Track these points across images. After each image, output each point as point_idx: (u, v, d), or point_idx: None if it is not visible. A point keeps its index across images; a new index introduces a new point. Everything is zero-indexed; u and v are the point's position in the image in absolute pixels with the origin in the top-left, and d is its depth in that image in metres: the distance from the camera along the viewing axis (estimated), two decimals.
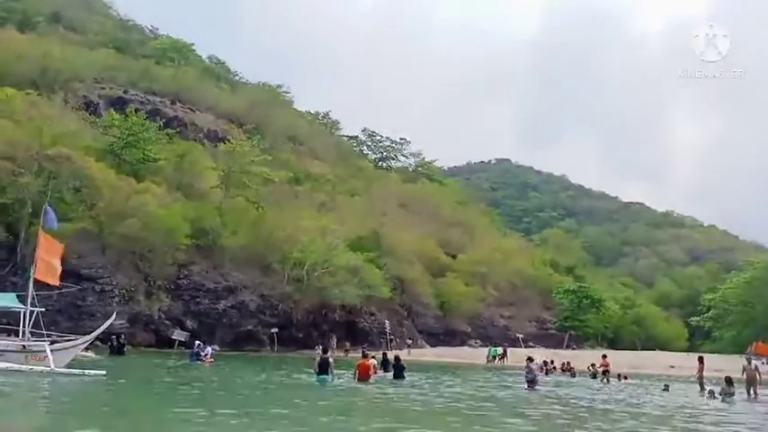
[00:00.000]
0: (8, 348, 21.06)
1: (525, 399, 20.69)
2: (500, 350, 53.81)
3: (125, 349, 36.78)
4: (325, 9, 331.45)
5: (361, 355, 27.72)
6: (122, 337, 38.34)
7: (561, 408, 18.10)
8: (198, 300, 49.51)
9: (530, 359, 26.77)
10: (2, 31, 76.18)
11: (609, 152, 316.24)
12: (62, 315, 40.88)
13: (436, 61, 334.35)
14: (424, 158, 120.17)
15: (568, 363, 42.63)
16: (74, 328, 35.87)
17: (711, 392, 23.92)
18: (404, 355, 44.20)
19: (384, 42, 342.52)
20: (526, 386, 24.81)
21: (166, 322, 46.23)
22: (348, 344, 50.08)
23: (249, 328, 50.65)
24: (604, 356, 36.86)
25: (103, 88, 76.65)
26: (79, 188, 46.68)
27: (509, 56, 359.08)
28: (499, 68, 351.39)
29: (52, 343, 22.24)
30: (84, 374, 19.95)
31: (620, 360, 46.04)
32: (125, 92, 76.97)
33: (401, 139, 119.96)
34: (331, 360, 23.07)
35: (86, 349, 34.82)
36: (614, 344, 79.48)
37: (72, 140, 50.46)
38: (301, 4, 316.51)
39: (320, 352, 24.27)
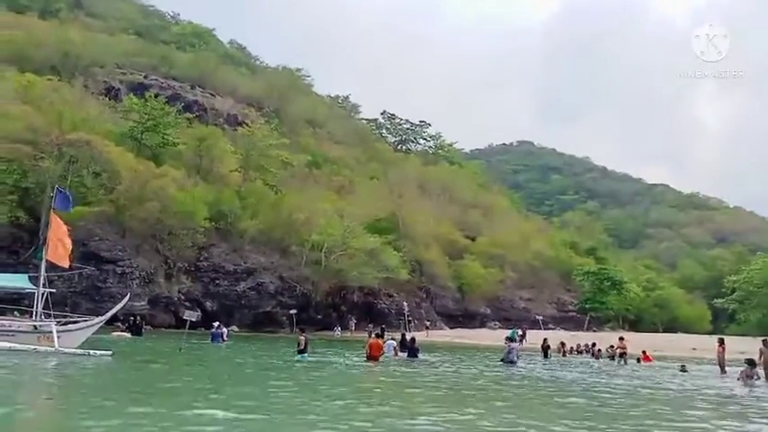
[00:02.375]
0: (20, 329, 21.40)
1: (493, 376, 21.54)
2: (519, 332, 53.70)
3: (143, 330, 37.26)
4: None
5: (368, 335, 28.39)
6: (139, 318, 38.91)
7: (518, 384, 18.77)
8: (217, 282, 50.07)
9: (509, 339, 28.11)
10: (23, 18, 77.20)
11: (632, 133, 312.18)
12: (84, 297, 41.82)
13: (455, 43, 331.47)
14: (443, 141, 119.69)
15: (588, 345, 42.27)
16: (95, 309, 36.45)
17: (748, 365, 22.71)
18: (422, 336, 44.55)
19: (401, 25, 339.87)
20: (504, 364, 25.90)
21: (186, 304, 46.77)
22: (371, 325, 50.53)
23: (268, 309, 51.12)
24: (621, 339, 36.50)
25: (124, 74, 77.29)
26: (99, 172, 47.22)
27: (529, 36, 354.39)
28: (519, 49, 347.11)
29: (66, 324, 22.59)
30: (89, 354, 20.23)
31: (641, 342, 45.56)
32: (145, 77, 77.51)
33: (420, 121, 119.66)
34: (307, 340, 24.76)
35: (123, 330, 35.86)
36: (636, 326, 78.83)
37: (92, 125, 51.08)
38: None
39: (299, 333, 26.21)
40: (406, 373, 20.40)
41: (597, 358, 37.11)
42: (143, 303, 44.48)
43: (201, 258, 50.36)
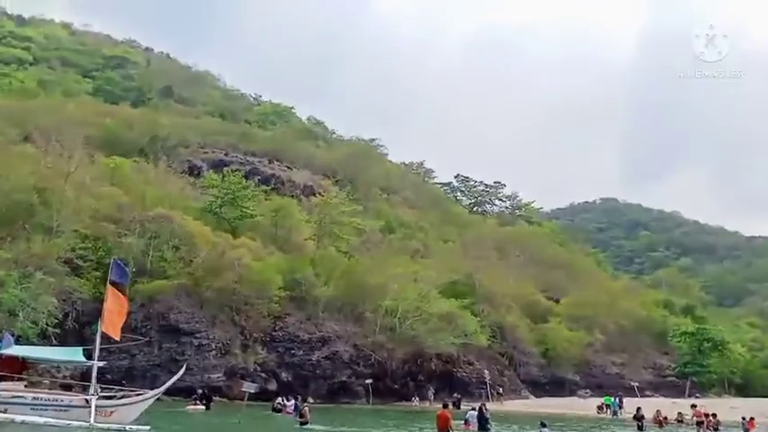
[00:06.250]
0: (72, 403, 21.39)
1: None
2: (615, 400, 50.10)
3: (211, 403, 37.12)
4: (414, 54, 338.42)
5: (442, 405, 26.82)
6: (207, 390, 38.93)
7: None
8: (292, 351, 49.68)
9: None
10: (117, 107, 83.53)
11: (724, 184, 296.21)
12: (162, 369, 42.23)
13: (530, 101, 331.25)
14: (520, 200, 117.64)
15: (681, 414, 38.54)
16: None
17: None
18: (496, 406, 42.28)
19: (477, 84, 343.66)
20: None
21: (262, 375, 46.65)
22: (458, 395, 48.65)
23: (343, 379, 50.07)
24: (693, 406, 33.67)
25: (206, 152, 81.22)
26: (178, 246, 48.76)
27: (605, 90, 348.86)
28: (596, 104, 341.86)
29: (119, 398, 22.58)
30: (125, 430, 19.83)
31: (749, 408, 41.60)
32: (226, 154, 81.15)
33: (495, 182, 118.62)
34: (307, 410, 27.49)
35: (195, 403, 35.97)
36: (743, 390, 72.14)
37: (173, 202, 53.36)
38: (393, 57, 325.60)
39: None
40: None
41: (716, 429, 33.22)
42: (219, 375, 44.64)
43: (276, 328, 50.31)
